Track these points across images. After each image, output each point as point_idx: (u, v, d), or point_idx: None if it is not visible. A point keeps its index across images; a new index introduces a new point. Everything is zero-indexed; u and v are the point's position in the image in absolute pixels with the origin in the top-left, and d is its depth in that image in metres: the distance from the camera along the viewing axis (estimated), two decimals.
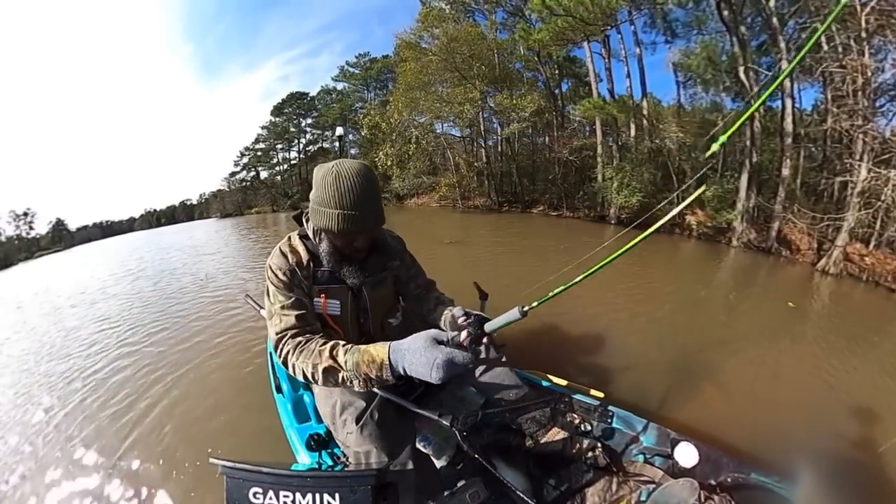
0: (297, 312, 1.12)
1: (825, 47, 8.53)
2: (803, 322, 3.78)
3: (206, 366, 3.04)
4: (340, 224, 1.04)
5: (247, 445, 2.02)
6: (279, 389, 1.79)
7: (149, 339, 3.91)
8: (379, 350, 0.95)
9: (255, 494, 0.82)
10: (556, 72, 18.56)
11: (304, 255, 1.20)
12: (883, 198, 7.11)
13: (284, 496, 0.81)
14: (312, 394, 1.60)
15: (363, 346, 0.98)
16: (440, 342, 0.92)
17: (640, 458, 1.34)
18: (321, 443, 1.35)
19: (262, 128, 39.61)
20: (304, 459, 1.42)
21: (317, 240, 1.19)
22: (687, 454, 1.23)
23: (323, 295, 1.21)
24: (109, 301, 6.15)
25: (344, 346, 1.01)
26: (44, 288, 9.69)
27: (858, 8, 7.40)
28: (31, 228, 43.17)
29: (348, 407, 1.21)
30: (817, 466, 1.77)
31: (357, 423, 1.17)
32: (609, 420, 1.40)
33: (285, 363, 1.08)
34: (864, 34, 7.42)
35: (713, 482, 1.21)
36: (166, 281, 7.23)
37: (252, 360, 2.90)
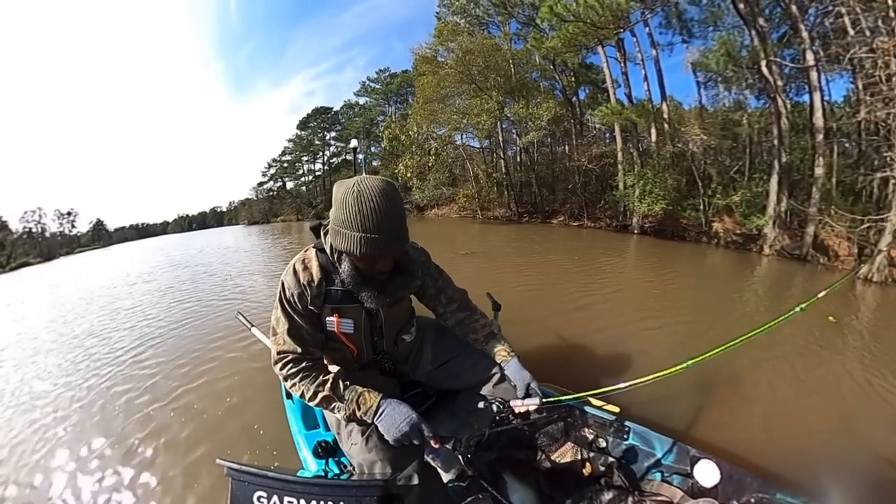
0: (296, 339, 1.18)
1: (851, 32, 7.98)
2: (843, 336, 3.47)
3: (219, 365, 3.09)
4: (363, 248, 0.99)
5: (254, 448, 2.02)
6: (289, 395, 1.78)
7: (167, 333, 4.09)
8: (373, 397, 1.12)
9: (259, 498, 0.83)
10: (573, 79, 18.48)
11: (317, 273, 1.16)
12: None
13: (289, 502, 0.82)
14: None
15: (360, 388, 1.15)
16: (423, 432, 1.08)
17: (658, 476, 1.29)
18: (329, 450, 1.34)
19: (289, 141, 41.81)
20: (311, 466, 1.41)
21: (334, 257, 1.15)
22: (707, 473, 1.17)
23: (336, 314, 1.19)
24: (149, 287, 7.29)
25: (344, 381, 1.16)
26: (79, 276, 11.92)
27: None
28: (73, 226, 47.27)
29: None
30: (849, 488, 1.66)
31: (362, 435, 1.16)
32: (625, 436, 1.35)
33: (285, 380, 1.19)
34: (892, 13, 6.88)
35: (735, 503, 1.15)
36: (196, 277, 7.99)
37: (265, 363, 2.91)
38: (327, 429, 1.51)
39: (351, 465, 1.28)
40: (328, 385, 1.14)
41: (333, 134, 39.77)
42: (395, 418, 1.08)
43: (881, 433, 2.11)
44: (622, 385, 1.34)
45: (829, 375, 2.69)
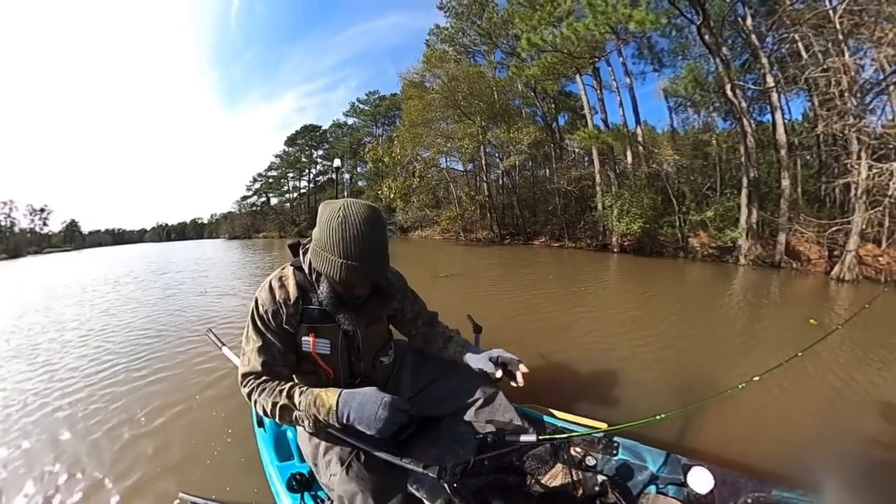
0: (264, 358, 1.13)
1: (805, 55, 8.99)
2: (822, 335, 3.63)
3: (185, 387, 2.83)
4: (343, 274, 0.99)
5: (222, 481, 1.82)
6: (261, 423, 1.67)
7: (129, 348, 3.77)
8: (330, 395, 1.02)
9: None
10: (553, 106, 19.30)
11: (294, 292, 1.14)
12: (890, 192, 7.06)
13: None
14: (296, 429, 1.51)
15: (317, 390, 1.05)
16: (397, 408, 1.01)
17: (652, 489, 1.24)
18: (304, 483, 1.25)
19: (276, 156, 42.05)
20: (285, 501, 1.30)
21: (312, 277, 1.15)
22: (701, 479, 1.13)
23: (312, 334, 1.16)
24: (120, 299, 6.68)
25: (300, 388, 1.08)
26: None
27: (831, 13, 7.80)
28: (45, 224, 45.15)
29: (333, 447, 1.14)
30: (843, 474, 1.69)
31: (342, 465, 1.08)
32: (615, 451, 1.31)
33: (248, 397, 1.11)
34: (840, 36, 7.73)
35: None
36: (171, 288, 7.73)
37: (235, 386, 2.74)
38: (302, 460, 1.39)
39: (328, 498, 1.18)
40: (284, 394, 1.05)
41: (321, 152, 40.24)
42: (366, 407, 0.98)
43: (866, 420, 2.18)
44: (606, 427, 1.37)
45: (811, 372, 2.74)
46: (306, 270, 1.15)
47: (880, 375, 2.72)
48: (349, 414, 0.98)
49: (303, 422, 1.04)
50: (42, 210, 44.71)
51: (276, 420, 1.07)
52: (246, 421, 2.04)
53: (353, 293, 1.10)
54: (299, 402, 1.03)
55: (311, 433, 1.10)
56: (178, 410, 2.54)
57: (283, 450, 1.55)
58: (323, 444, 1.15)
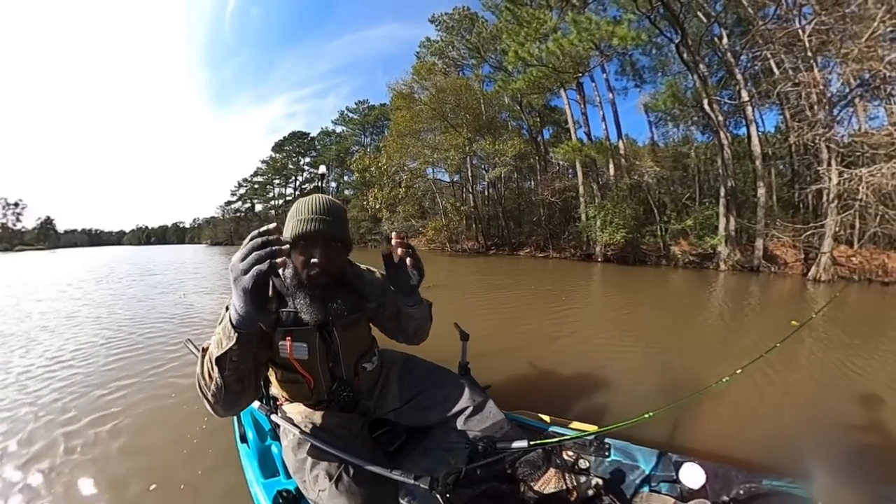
0: None
1: (777, 72, 9.63)
2: (805, 333, 3.72)
3: (161, 402, 2.65)
4: (297, 228, 1.04)
5: (202, 501, 1.72)
6: (244, 439, 1.58)
7: (103, 358, 3.50)
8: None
9: None
10: (538, 120, 19.74)
11: (269, 292, 1.13)
12: (860, 196, 7.44)
13: None
14: (281, 444, 1.43)
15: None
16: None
17: (646, 488, 1.24)
18: (291, 500, 1.20)
19: (262, 161, 41.41)
20: None
21: (287, 280, 1.13)
22: (693, 475, 1.14)
23: (288, 337, 1.13)
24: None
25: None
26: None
27: (801, 32, 8.37)
28: (18, 220, 42.77)
29: (320, 462, 1.10)
30: (830, 459, 1.72)
31: (330, 480, 1.04)
32: (606, 453, 1.31)
33: (202, 390, 0.97)
34: (809, 53, 8.32)
35: (726, 498, 1.13)
36: (151, 292, 7.41)
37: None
38: (288, 476, 1.33)
39: None
40: (199, 360, 0.94)
41: (308, 159, 39.76)
42: (237, 297, 0.83)
43: (846, 406, 2.30)
44: (597, 429, 1.38)
45: (792, 365, 2.84)
46: (282, 275, 1.13)
47: (854, 364, 2.91)
48: (232, 309, 0.86)
49: (212, 364, 0.90)
50: (16, 204, 42.69)
51: (203, 381, 0.94)
52: (227, 435, 1.91)
53: (311, 264, 1.07)
54: (210, 344, 0.93)
55: (212, 362, 0.91)
56: (154, 427, 2.37)
57: (268, 466, 1.47)
58: (310, 458, 1.12)
